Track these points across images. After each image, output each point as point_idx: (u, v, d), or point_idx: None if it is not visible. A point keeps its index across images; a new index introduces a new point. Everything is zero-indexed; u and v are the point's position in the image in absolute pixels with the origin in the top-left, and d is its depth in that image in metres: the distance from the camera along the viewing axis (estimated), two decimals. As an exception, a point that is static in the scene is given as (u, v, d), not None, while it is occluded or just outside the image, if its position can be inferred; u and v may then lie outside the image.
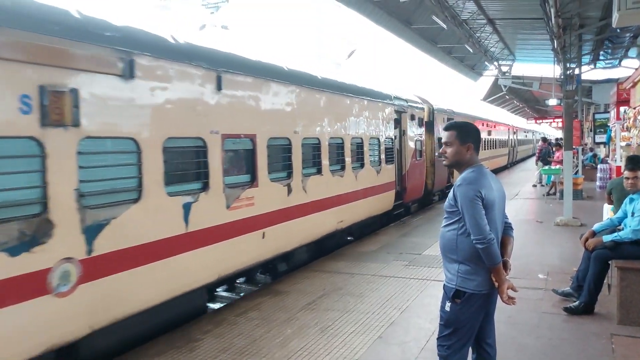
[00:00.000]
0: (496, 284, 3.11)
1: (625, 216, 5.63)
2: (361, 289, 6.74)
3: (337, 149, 9.10)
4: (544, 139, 21.91)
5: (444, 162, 3.34)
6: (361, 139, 9.96)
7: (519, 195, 17.08)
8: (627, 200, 5.71)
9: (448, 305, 3.19)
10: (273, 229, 6.99)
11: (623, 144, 16.14)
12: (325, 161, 8.46)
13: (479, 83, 29.79)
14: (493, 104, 36.31)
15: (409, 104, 13.12)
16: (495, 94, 30.90)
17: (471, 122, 3.44)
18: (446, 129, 3.29)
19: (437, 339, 3.30)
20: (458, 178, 3.21)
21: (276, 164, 7.26)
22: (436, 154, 15.01)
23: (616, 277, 5.35)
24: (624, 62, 19.04)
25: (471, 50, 18.97)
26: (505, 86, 25.07)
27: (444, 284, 3.28)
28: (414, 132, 13.41)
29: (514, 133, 37.11)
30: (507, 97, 33.14)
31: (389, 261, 8.25)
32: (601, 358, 4.49)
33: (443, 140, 3.30)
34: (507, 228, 3.36)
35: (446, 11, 13.97)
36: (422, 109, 14.33)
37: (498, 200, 3.21)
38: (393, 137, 11.76)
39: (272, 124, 7.08)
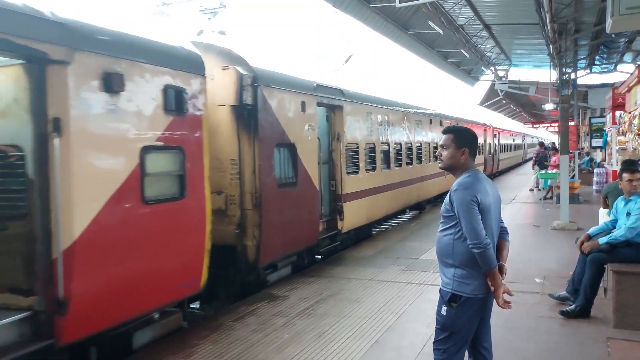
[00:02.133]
0: (492, 288, 3.13)
1: (617, 219, 5.65)
2: (358, 294, 6.74)
3: None
4: (541, 144, 22.01)
5: (439, 165, 3.42)
6: None
7: (516, 200, 17.12)
8: (617, 202, 5.72)
9: (444, 309, 3.20)
10: None
11: (618, 147, 16.20)
12: None
13: (476, 88, 29.97)
14: (490, 109, 36.45)
15: (99, 49, 4.27)
16: (492, 99, 31.09)
17: (467, 127, 3.48)
18: (444, 132, 3.38)
19: (434, 343, 3.30)
20: (454, 183, 3.24)
21: None
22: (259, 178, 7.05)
23: (612, 280, 5.37)
24: (620, 66, 19.22)
25: (467, 55, 19.10)
26: (501, 91, 25.21)
27: (440, 288, 3.29)
28: (135, 127, 4.66)
29: (495, 136, 28.01)
30: (504, 101, 33.32)
31: (386, 266, 8.26)
32: (598, 362, 4.50)
33: (440, 142, 3.38)
34: (503, 232, 3.38)
35: (442, 17, 14.07)
36: (198, 70, 5.50)
37: (494, 204, 3.24)
38: None
39: None
